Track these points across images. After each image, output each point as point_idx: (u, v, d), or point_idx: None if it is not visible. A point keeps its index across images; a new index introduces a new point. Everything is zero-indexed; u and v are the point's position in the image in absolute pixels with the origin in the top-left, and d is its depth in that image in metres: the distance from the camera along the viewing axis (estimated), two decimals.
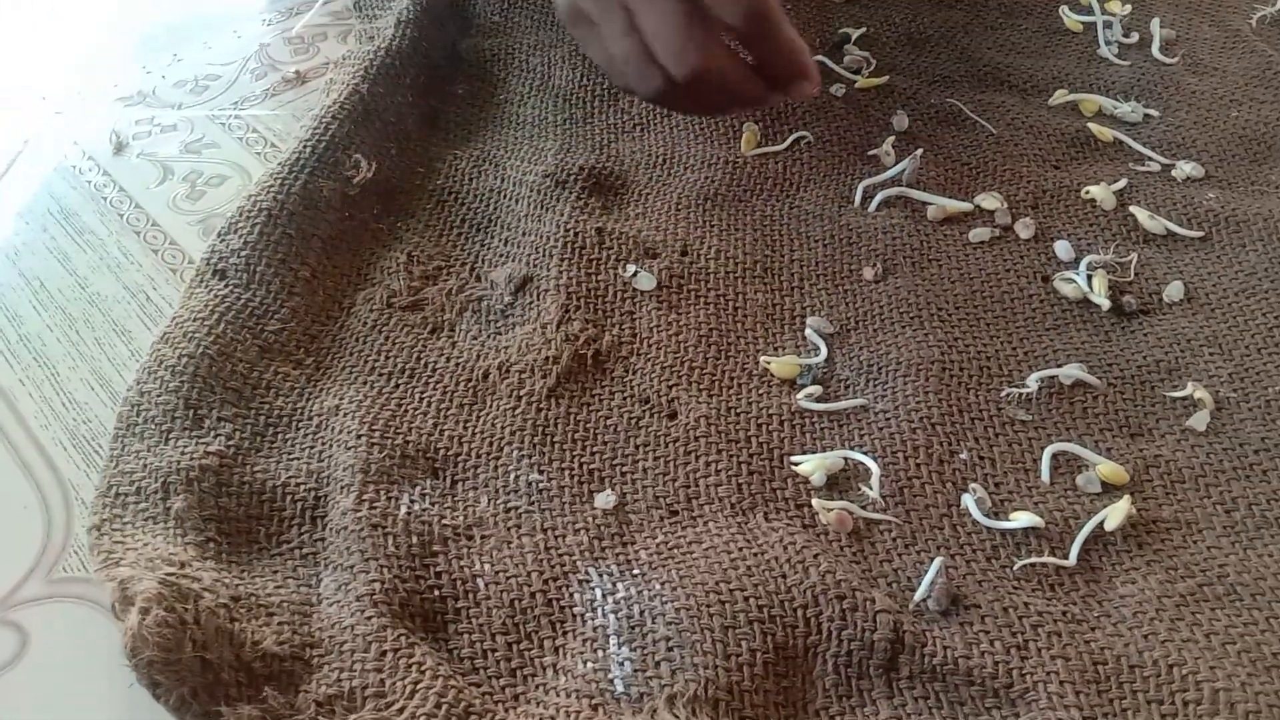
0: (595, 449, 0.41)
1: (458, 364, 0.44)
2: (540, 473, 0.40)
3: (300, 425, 0.42)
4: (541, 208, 0.51)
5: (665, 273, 0.48)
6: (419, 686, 0.33)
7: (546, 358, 0.44)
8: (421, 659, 0.34)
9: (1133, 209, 0.50)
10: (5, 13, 0.68)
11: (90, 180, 0.55)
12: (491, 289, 0.47)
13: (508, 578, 0.37)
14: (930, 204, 0.51)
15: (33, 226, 0.52)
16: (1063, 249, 0.48)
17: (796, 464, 0.40)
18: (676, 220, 0.50)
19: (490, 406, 0.43)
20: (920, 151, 0.51)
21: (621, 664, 0.34)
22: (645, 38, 0.43)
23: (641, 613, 0.35)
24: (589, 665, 0.34)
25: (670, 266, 0.48)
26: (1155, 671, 0.34)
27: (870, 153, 0.54)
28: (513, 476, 0.40)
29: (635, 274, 0.47)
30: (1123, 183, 0.51)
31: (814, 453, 0.41)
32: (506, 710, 0.33)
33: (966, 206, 0.50)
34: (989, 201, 0.51)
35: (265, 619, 0.34)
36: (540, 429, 0.42)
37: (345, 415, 0.41)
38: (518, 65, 0.60)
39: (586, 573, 0.37)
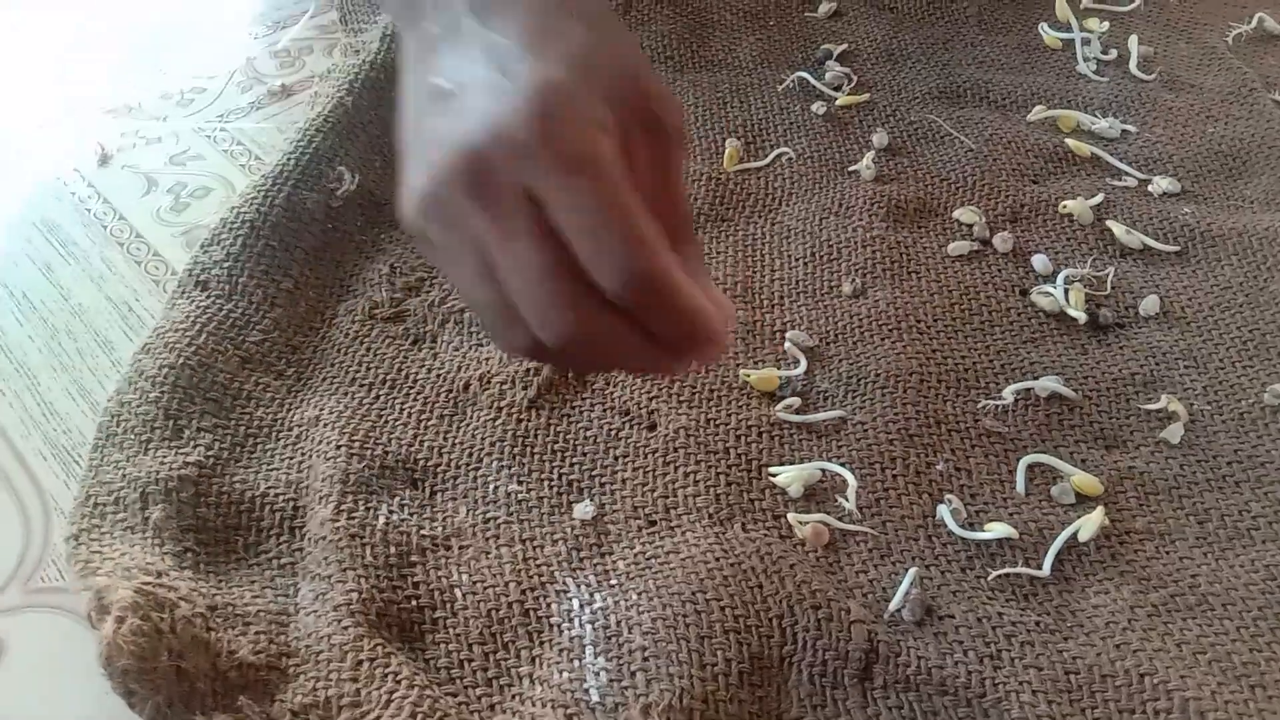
0: (574, 460, 0.41)
1: (439, 375, 0.44)
2: (519, 483, 0.40)
3: (280, 436, 0.42)
4: None
5: None
6: (394, 696, 0.33)
7: (528, 369, 0.44)
8: (398, 669, 0.34)
9: (1109, 223, 0.50)
10: None
11: (75, 192, 0.55)
12: None
13: (485, 588, 0.37)
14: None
15: (16, 238, 0.53)
16: (1040, 262, 0.49)
17: (774, 475, 0.40)
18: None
19: (470, 418, 0.43)
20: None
21: (597, 674, 0.34)
22: (505, 289, 0.32)
23: (618, 623, 0.35)
24: (565, 675, 0.34)
25: None
26: (1127, 681, 0.34)
27: (851, 169, 0.54)
28: (492, 487, 0.40)
29: None
30: (1100, 197, 0.52)
31: (792, 464, 0.41)
32: (482, 719, 0.33)
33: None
34: (968, 215, 0.51)
35: (242, 628, 0.34)
36: (520, 440, 0.42)
37: (325, 426, 0.41)
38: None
39: (564, 583, 0.37)
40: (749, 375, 0.44)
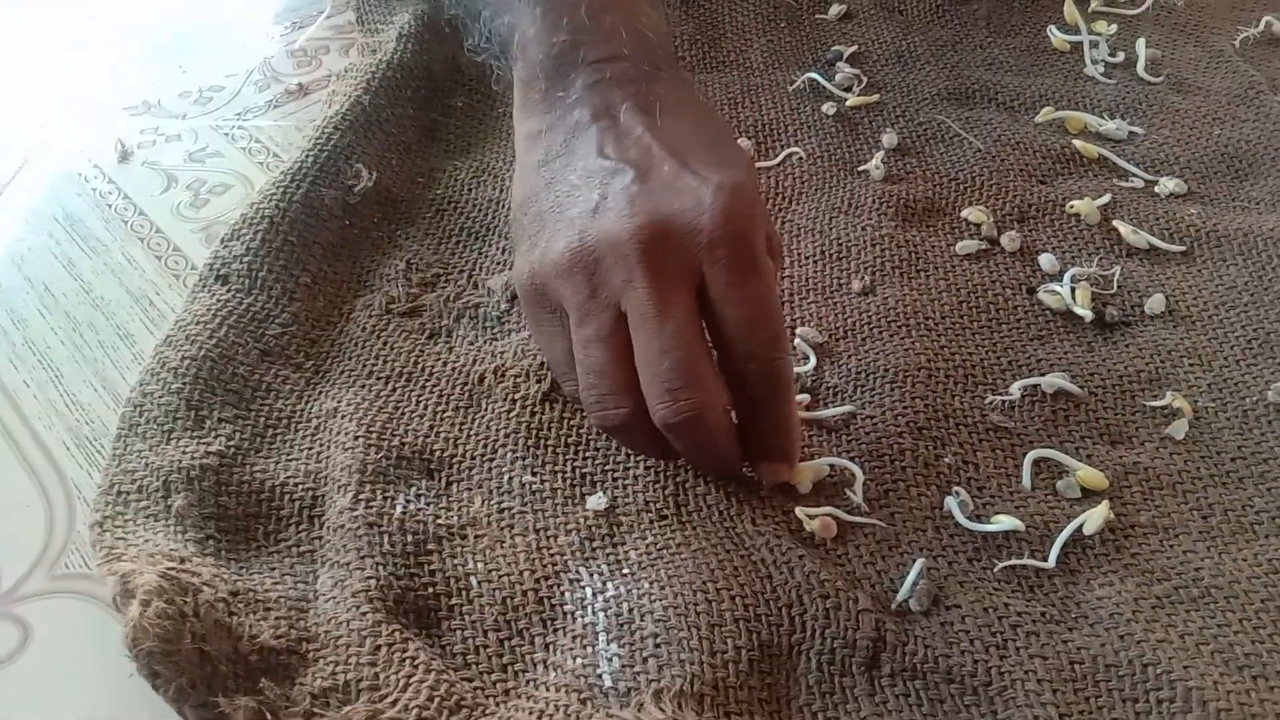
0: (588, 454, 0.42)
1: (454, 368, 0.45)
2: (533, 474, 0.41)
3: (299, 427, 0.43)
4: None
5: None
6: (412, 680, 0.34)
7: (541, 363, 0.44)
8: (415, 654, 0.34)
9: (1116, 223, 0.51)
10: (13, 24, 0.70)
11: (95, 188, 0.56)
12: (488, 296, 0.48)
13: (500, 576, 0.37)
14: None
15: (38, 232, 0.53)
16: (1047, 261, 0.49)
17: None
18: None
19: (485, 410, 0.43)
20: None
21: (610, 660, 0.35)
22: (581, 371, 0.37)
23: (630, 611, 0.36)
24: (578, 661, 0.35)
25: None
26: (1130, 671, 0.34)
27: (860, 168, 0.55)
28: (506, 478, 0.41)
29: None
30: (1107, 198, 0.52)
31: (802, 459, 0.42)
32: (497, 704, 0.34)
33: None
34: (976, 215, 0.52)
35: (263, 614, 0.35)
36: (534, 432, 0.43)
37: (343, 417, 0.42)
38: (504, 79, 0.61)
39: (577, 572, 0.38)
40: None
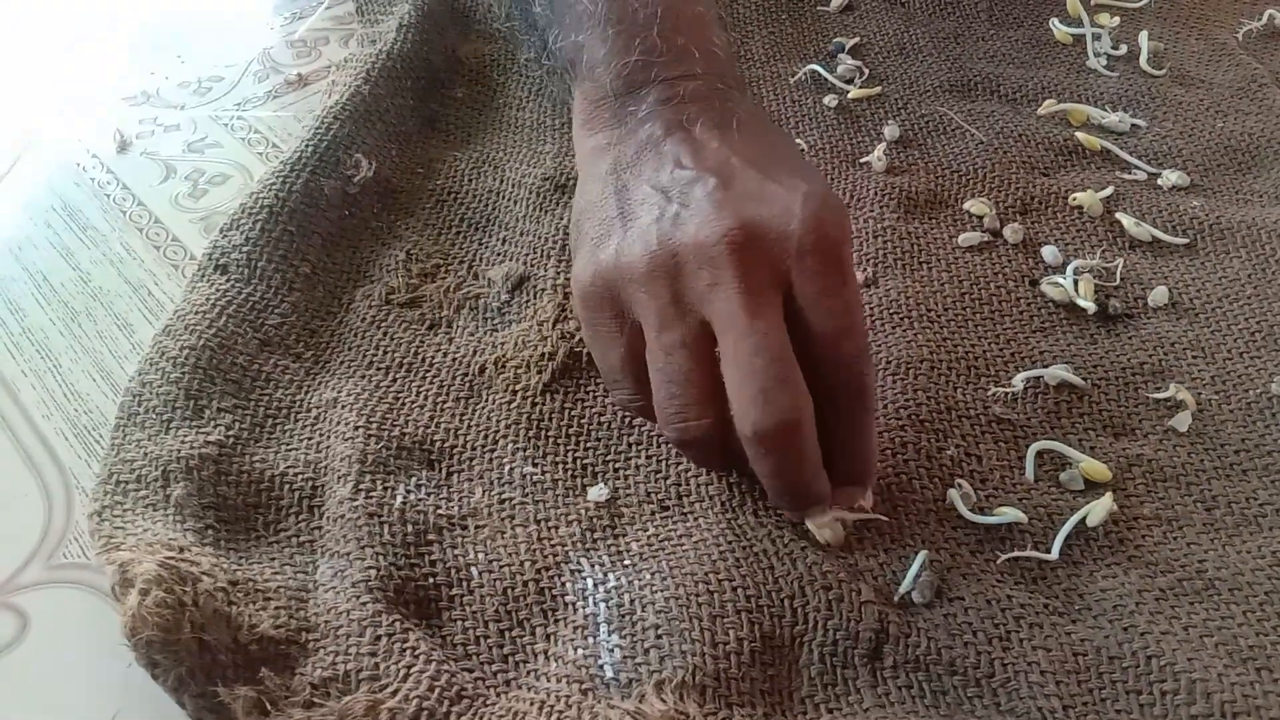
0: (589, 445, 0.42)
1: (454, 359, 0.45)
2: (534, 465, 0.41)
3: (299, 417, 0.42)
4: (540, 209, 0.52)
5: None
6: (412, 670, 0.33)
7: (542, 354, 0.44)
8: (415, 644, 0.34)
9: (1119, 216, 0.51)
10: (11, 13, 0.69)
11: (94, 177, 0.56)
12: (489, 287, 0.48)
13: (501, 566, 0.37)
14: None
15: (36, 222, 0.53)
16: (1050, 254, 0.49)
17: None
18: None
19: (486, 401, 0.43)
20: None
21: (611, 651, 0.35)
22: (652, 377, 0.36)
23: (631, 601, 0.36)
24: (579, 652, 0.35)
25: None
26: (1134, 663, 0.34)
27: (862, 160, 0.55)
28: (507, 469, 0.41)
29: None
30: (1109, 190, 0.52)
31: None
32: (498, 695, 0.34)
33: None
34: (978, 207, 0.52)
35: (262, 603, 0.35)
36: (535, 423, 0.42)
37: (343, 407, 0.42)
38: (516, 71, 0.61)
39: (578, 563, 0.38)
40: None
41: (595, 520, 0.39)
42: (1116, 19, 0.63)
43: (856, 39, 0.62)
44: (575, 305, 0.39)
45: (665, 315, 0.35)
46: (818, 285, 0.35)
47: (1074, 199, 0.52)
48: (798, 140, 0.56)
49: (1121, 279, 0.48)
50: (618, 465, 0.41)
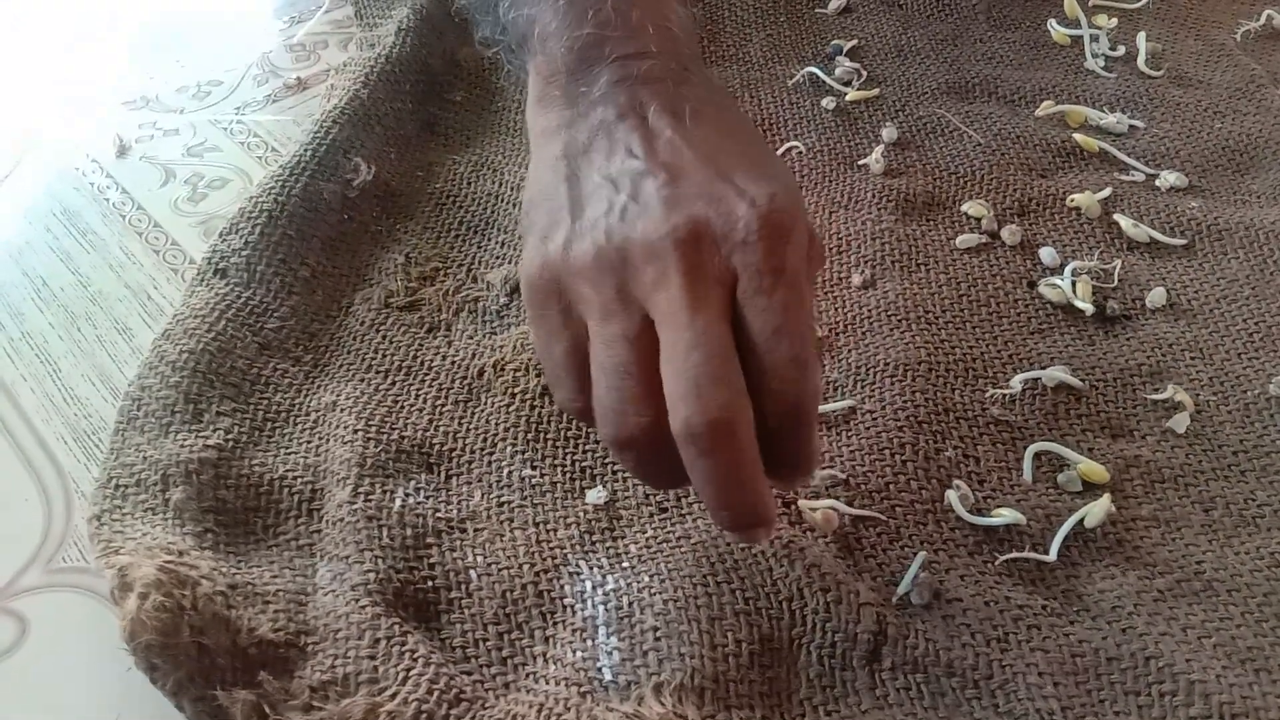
0: (587, 447, 0.42)
1: (453, 362, 0.45)
2: (533, 468, 0.41)
3: (298, 420, 0.42)
4: None
5: None
6: (411, 673, 0.33)
7: None
8: (414, 647, 0.34)
9: (1117, 217, 0.51)
10: (11, 13, 0.70)
11: (93, 182, 0.56)
12: (488, 290, 0.48)
13: (500, 569, 0.37)
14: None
15: (36, 226, 0.53)
16: (1048, 255, 0.49)
17: None
18: None
19: (485, 404, 0.43)
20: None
21: (610, 653, 0.35)
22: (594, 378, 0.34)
23: (630, 604, 0.36)
24: (578, 654, 0.35)
25: None
26: (1133, 664, 0.34)
27: (860, 163, 0.55)
28: (506, 472, 0.41)
29: None
30: (1107, 191, 0.52)
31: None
32: (497, 697, 0.34)
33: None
34: (976, 209, 0.52)
35: (261, 606, 0.35)
36: (534, 426, 0.42)
37: (342, 411, 0.42)
38: (515, 74, 0.61)
39: (577, 565, 0.38)
40: None
41: (594, 523, 0.39)
42: (1114, 20, 0.63)
43: (854, 41, 0.62)
44: (523, 296, 0.38)
45: (609, 308, 0.34)
46: (756, 283, 0.33)
47: (1072, 200, 0.52)
48: (795, 142, 0.56)
49: (1119, 280, 0.48)
50: (616, 468, 0.41)
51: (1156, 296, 0.47)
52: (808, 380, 0.33)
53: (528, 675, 0.35)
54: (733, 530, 0.34)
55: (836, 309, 0.47)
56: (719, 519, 0.34)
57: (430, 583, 0.37)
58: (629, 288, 0.34)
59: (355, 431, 0.41)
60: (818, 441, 0.35)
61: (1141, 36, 0.62)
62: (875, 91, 0.59)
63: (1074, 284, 0.47)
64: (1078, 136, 0.56)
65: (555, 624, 0.36)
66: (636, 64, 0.39)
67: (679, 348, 0.32)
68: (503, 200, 0.53)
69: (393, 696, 0.33)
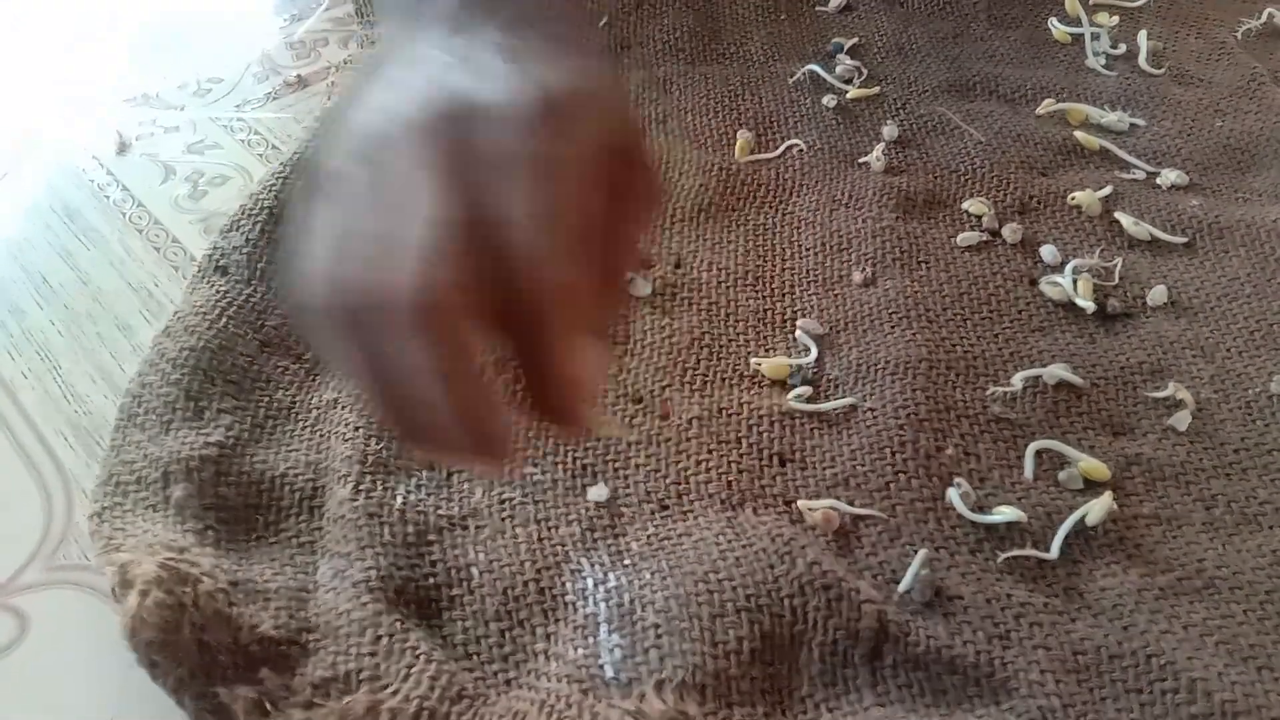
0: (588, 444, 0.42)
1: None
2: (534, 465, 0.41)
3: (299, 417, 0.42)
4: None
5: (659, 282, 0.48)
6: (413, 670, 0.33)
7: None
8: (416, 644, 0.34)
9: (1118, 215, 0.51)
10: (11, 13, 0.69)
11: (94, 179, 0.56)
12: None
13: (501, 566, 0.37)
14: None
15: (36, 224, 0.53)
16: (1049, 253, 0.49)
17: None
18: (671, 232, 0.51)
19: None
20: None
21: (611, 650, 0.35)
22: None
23: (632, 601, 0.36)
24: (580, 651, 0.35)
25: (664, 276, 0.49)
26: (1134, 662, 0.34)
27: (861, 160, 0.55)
28: (507, 469, 0.41)
29: (631, 279, 0.48)
30: (1108, 190, 0.52)
31: (804, 452, 0.41)
32: (499, 694, 0.34)
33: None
34: (977, 207, 0.52)
35: (263, 604, 0.35)
36: (534, 423, 0.42)
37: (343, 408, 0.42)
38: None
39: (578, 562, 0.38)
40: (760, 363, 0.45)
41: (595, 520, 0.39)
42: (1115, 18, 0.63)
43: (855, 39, 0.62)
44: None
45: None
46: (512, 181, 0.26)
47: (1073, 198, 0.52)
48: (796, 140, 0.56)
49: (1120, 278, 0.48)
50: (617, 465, 0.41)
51: (1157, 294, 0.47)
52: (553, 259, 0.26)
53: (529, 672, 0.35)
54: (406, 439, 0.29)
55: (837, 307, 0.47)
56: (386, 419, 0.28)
57: (432, 580, 0.37)
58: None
59: (356, 428, 0.41)
60: (578, 376, 0.29)
61: (1142, 34, 0.62)
62: (876, 89, 0.59)
63: (1075, 282, 0.47)
64: (1079, 134, 0.56)
65: (557, 621, 0.36)
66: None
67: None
68: None
69: (394, 693, 0.33)
